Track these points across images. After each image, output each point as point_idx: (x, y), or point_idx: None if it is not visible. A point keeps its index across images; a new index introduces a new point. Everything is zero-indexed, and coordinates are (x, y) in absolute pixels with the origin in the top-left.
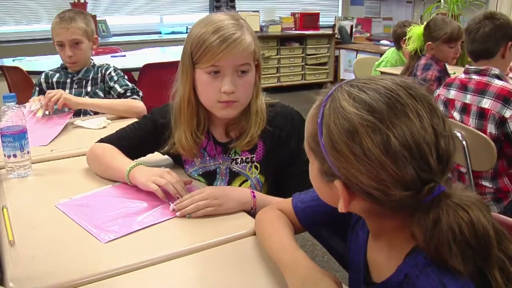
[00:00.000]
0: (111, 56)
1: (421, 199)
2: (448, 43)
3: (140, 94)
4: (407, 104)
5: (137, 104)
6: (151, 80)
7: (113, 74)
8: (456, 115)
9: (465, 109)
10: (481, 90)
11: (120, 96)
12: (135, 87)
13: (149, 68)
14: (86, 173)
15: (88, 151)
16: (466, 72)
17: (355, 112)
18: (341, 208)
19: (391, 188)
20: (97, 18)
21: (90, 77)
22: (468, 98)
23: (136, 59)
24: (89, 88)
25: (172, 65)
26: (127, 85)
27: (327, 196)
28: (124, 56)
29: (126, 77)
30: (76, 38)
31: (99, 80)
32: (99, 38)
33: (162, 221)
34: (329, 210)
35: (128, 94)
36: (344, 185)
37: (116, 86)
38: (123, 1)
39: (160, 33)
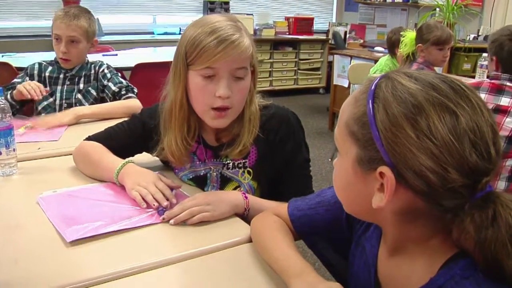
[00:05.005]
0: (103, 55)
1: (475, 193)
2: (436, 45)
3: (135, 90)
4: (468, 92)
5: (135, 104)
6: (143, 79)
7: (106, 71)
8: None
9: (498, 109)
10: None
11: (115, 95)
12: (129, 84)
13: (141, 68)
14: (73, 172)
15: (76, 149)
16: (497, 78)
17: (420, 89)
18: (381, 201)
19: (450, 172)
20: None
21: (83, 74)
22: (506, 100)
23: (128, 58)
24: (81, 86)
25: (165, 66)
26: (121, 82)
27: (357, 192)
28: (116, 55)
29: (119, 74)
30: (75, 36)
31: (92, 78)
32: None
33: (141, 226)
34: (327, 220)
35: (123, 92)
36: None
37: (110, 84)
38: (116, 0)
39: (152, 33)
